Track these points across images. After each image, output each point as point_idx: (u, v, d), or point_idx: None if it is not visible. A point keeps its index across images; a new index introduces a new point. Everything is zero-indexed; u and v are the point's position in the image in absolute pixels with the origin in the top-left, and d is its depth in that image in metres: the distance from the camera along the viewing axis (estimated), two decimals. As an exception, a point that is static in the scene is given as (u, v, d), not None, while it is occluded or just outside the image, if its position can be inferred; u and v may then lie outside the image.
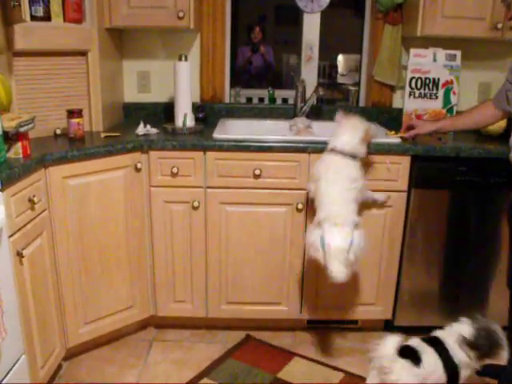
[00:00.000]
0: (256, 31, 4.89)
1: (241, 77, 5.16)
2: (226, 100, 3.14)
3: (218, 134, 2.50)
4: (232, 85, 3.22)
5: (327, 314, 2.69)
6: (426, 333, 2.73)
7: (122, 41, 2.93)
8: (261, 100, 3.38)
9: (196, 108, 2.88)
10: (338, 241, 2.10)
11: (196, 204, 2.47)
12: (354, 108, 3.12)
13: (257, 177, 2.44)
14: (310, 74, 4.20)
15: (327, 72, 5.60)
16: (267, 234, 2.53)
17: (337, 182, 2.22)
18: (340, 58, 5.39)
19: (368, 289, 2.63)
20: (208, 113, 2.96)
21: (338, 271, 2.07)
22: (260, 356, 2.56)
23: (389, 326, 2.77)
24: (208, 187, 2.47)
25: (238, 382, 2.37)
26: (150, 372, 2.45)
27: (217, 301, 2.64)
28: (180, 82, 2.60)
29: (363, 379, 2.34)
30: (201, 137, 2.51)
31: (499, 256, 2.59)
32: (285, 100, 3.45)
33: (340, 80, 5.29)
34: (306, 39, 4.18)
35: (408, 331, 2.70)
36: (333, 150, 2.27)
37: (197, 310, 2.66)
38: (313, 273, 2.59)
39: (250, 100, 3.35)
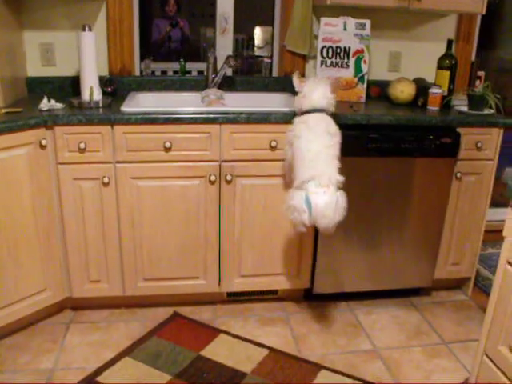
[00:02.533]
0: (171, 4, 4.77)
1: (159, 51, 5.05)
2: (137, 73, 3.03)
3: (126, 108, 2.42)
4: (143, 57, 3.11)
5: (246, 285, 2.70)
6: (345, 299, 2.83)
7: (21, 10, 2.75)
8: (176, 73, 3.29)
9: (104, 81, 2.78)
10: (326, 200, 2.05)
11: (106, 180, 2.39)
12: (267, 78, 3.10)
13: (167, 150, 2.39)
14: (225, 46, 4.16)
15: (245, 45, 5.59)
16: (181, 208, 2.49)
17: (318, 139, 2.18)
18: (257, 30, 5.38)
19: (286, 258, 2.65)
20: (117, 86, 2.85)
21: (329, 223, 2.04)
22: (185, 334, 2.54)
23: (308, 295, 2.80)
24: (117, 162, 2.39)
25: (159, 361, 2.33)
26: (67, 356, 2.37)
27: (133, 278, 2.59)
28: (85, 54, 2.49)
29: (286, 355, 2.37)
30: (108, 110, 2.42)
31: (411, 221, 2.67)
32: (201, 73, 3.40)
33: (257, 52, 5.28)
34: (221, 11, 4.13)
35: (327, 299, 2.78)
36: (307, 110, 2.25)
37: (113, 289, 2.60)
38: (229, 245, 2.58)
39: (165, 73, 3.27)
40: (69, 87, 2.86)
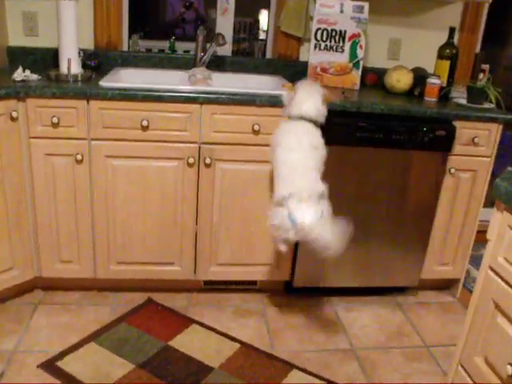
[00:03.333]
0: (185, -19, 4.59)
1: (173, 31, 4.90)
2: (125, 48, 2.91)
3: (104, 82, 2.30)
4: (133, 31, 2.99)
5: (223, 274, 2.60)
6: (327, 294, 2.71)
7: (3, -24, 2.64)
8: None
9: (88, 55, 2.66)
10: (310, 216, 1.92)
11: (79, 157, 2.29)
12: (259, 60, 2.97)
13: (145, 128, 2.27)
14: (226, 26, 4.01)
15: (249, 28, 5.46)
16: (157, 190, 2.38)
17: (298, 149, 2.06)
18: (263, 13, 5.23)
19: (265, 248, 2.53)
20: (102, 61, 2.73)
21: (318, 237, 1.92)
22: (156, 321, 2.44)
23: (289, 288, 2.69)
24: (92, 139, 2.28)
25: (125, 348, 2.23)
26: (30, 338, 2.28)
27: (105, 261, 2.49)
28: (64, 24, 2.37)
29: (258, 351, 2.27)
30: (86, 85, 2.30)
31: (399, 216, 2.55)
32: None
33: (262, 36, 5.13)
34: (222, -11, 3.98)
35: (308, 293, 2.67)
36: (295, 117, 2.13)
37: (84, 270, 2.50)
38: (207, 231, 2.47)
39: (163, 52, 3.14)
40: (51, 59, 2.74)
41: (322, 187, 2.01)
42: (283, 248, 2.06)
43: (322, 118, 2.16)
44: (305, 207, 1.93)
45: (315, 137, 2.12)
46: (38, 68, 2.47)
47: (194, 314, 2.52)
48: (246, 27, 5.72)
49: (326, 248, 1.94)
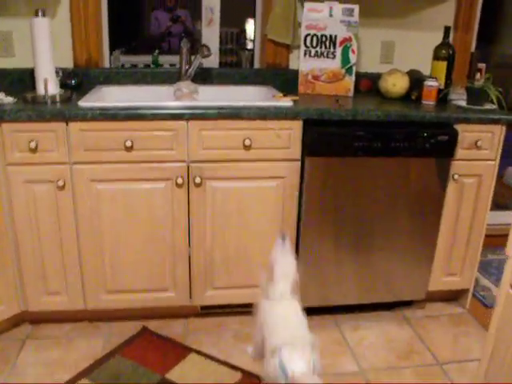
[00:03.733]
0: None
1: (159, 45, 4.80)
2: (106, 65, 2.78)
3: (84, 102, 2.17)
4: (114, 47, 2.86)
5: (220, 298, 2.46)
6: (332, 313, 2.57)
7: (-25, -4, 2.51)
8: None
9: (67, 74, 2.53)
10: (302, 366, 1.81)
11: (61, 183, 2.15)
12: (247, 70, 2.84)
13: (129, 149, 2.14)
14: (211, 37, 3.90)
15: (235, 38, 5.39)
16: (146, 214, 2.24)
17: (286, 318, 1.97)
18: (249, 22, 5.15)
19: (264, 269, 2.39)
20: (83, 79, 2.60)
21: None
22: (152, 352, 2.29)
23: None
24: (74, 163, 2.15)
25: (119, 383, 2.09)
26: (17, 378, 2.13)
27: (95, 290, 2.35)
28: (39, 43, 2.24)
29: (260, 379, 2.12)
30: (65, 106, 2.16)
31: (403, 228, 2.42)
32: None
33: (250, 45, 5.05)
34: (206, 1, 3.89)
35: (311, 313, 2.52)
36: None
37: (74, 301, 2.36)
38: (201, 254, 2.34)
39: (149, 67, 3.01)
40: (29, 80, 2.59)
41: (311, 336, 1.91)
42: None
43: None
44: (297, 357, 1.82)
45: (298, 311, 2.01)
46: (15, 90, 2.35)
47: (191, 342, 2.38)
48: (233, 37, 5.64)
49: None
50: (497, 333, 1.46)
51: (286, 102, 2.26)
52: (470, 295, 2.70)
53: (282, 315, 1.98)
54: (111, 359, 2.25)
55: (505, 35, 4.06)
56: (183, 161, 2.19)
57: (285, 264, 2.04)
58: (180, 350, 2.31)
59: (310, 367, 1.82)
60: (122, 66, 3.13)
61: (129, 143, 2.12)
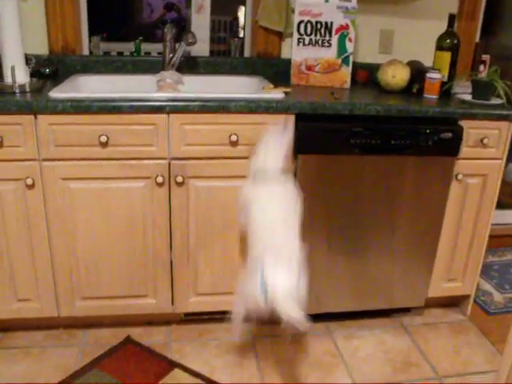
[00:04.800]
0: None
1: (152, 33, 4.60)
2: (85, 52, 2.58)
3: (54, 93, 1.98)
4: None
5: (204, 305, 2.29)
6: (324, 320, 2.41)
7: None
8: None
9: (42, 61, 2.33)
10: (285, 279, 1.64)
11: (30, 181, 1.97)
12: (236, 59, 2.65)
13: (104, 145, 1.96)
14: (201, 25, 3.73)
15: (229, 27, 5.19)
16: (123, 215, 2.06)
17: (273, 205, 1.79)
18: (242, 10, 4.94)
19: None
20: (59, 67, 2.40)
21: (295, 315, 1.60)
22: (133, 366, 2.12)
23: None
24: (44, 160, 1.96)
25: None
26: (-19, 392, 1.96)
27: (69, 297, 2.17)
28: (5, 26, 2.04)
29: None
30: (35, 96, 1.97)
31: (402, 231, 2.25)
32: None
33: (242, 34, 4.84)
34: (196, -15, 3.71)
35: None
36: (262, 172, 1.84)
37: (45, 309, 2.19)
38: (184, 258, 2.18)
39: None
40: None
41: (300, 249, 1.72)
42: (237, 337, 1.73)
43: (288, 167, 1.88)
44: (281, 270, 1.64)
45: (289, 188, 1.84)
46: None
47: (174, 352, 2.21)
48: (226, 26, 5.45)
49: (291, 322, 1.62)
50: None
51: (277, 94, 2.07)
52: (471, 302, 2.54)
53: (270, 211, 1.78)
54: (87, 373, 2.08)
55: (506, 27, 3.89)
56: (164, 158, 2.01)
57: (277, 141, 1.86)
58: (163, 365, 2.14)
59: (295, 282, 1.64)
60: (107, 53, 2.92)
61: (104, 138, 1.93)
